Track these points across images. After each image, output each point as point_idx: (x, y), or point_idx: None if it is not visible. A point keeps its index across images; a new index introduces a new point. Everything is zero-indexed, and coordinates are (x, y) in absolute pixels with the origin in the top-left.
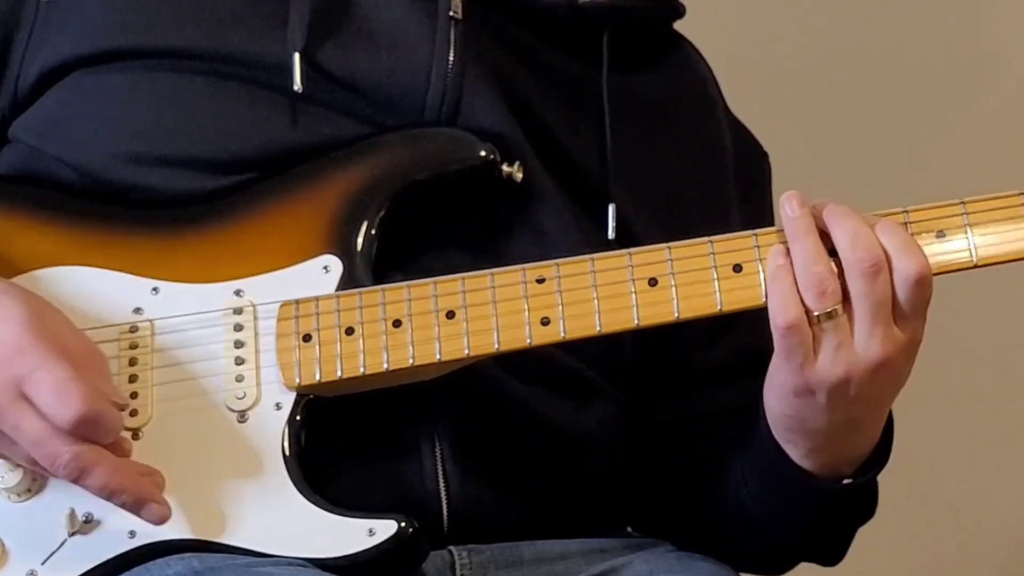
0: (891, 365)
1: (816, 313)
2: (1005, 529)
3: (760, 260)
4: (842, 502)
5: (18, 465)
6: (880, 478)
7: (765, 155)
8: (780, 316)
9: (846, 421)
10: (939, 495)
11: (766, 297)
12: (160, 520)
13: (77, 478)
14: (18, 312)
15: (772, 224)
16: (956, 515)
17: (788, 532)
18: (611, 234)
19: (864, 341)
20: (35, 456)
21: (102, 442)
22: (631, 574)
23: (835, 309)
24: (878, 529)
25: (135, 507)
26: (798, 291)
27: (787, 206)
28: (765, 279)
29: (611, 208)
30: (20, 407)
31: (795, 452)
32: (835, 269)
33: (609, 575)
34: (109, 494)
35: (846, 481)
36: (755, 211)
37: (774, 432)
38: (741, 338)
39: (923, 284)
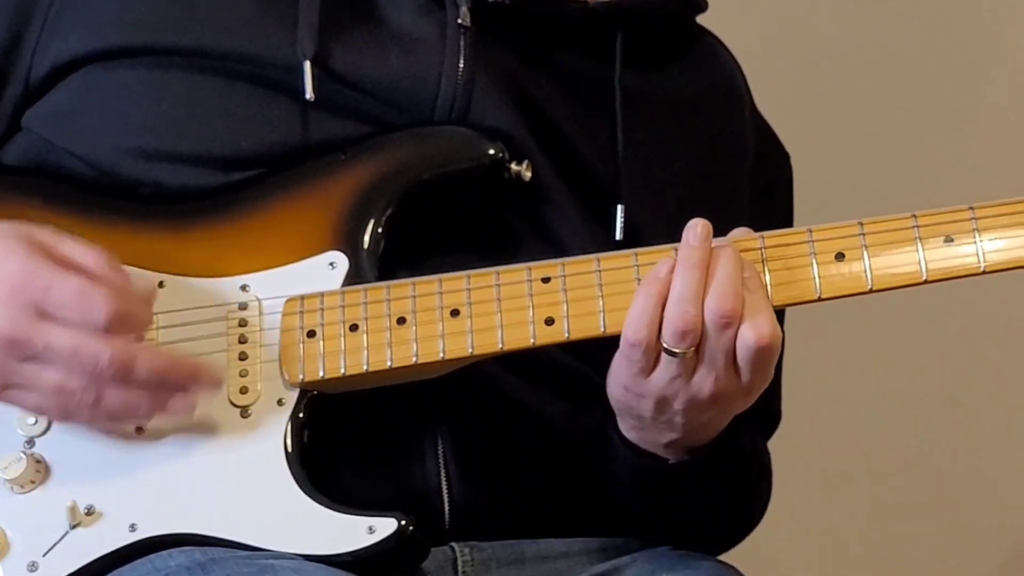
0: (720, 402)
1: (667, 347)
2: (1005, 529)
3: (765, 262)
4: (666, 477)
5: (43, 408)
6: (881, 479)
7: (787, 156)
8: (630, 332)
9: (666, 424)
10: (939, 495)
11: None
12: (219, 384)
13: (125, 373)
14: (13, 244)
15: (790, 226)
16: (956, 515)
17: (639, 510)
18: (619, 235)
19: (699, 378)
20: (75, 366)
21: (139, 331)
22: (633, 573)
23: (685, 352)
24: (879, 529)
25: (190, 380)
26: (661, 314)
27: (689, 233)
28: (768, 283)
29: (619, 209)
30: (46, 327)
31: (622, 425)
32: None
33: (611, 574)
34: (161, 377)
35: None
36: (767, 211)
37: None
38: None
39: (762, 352)
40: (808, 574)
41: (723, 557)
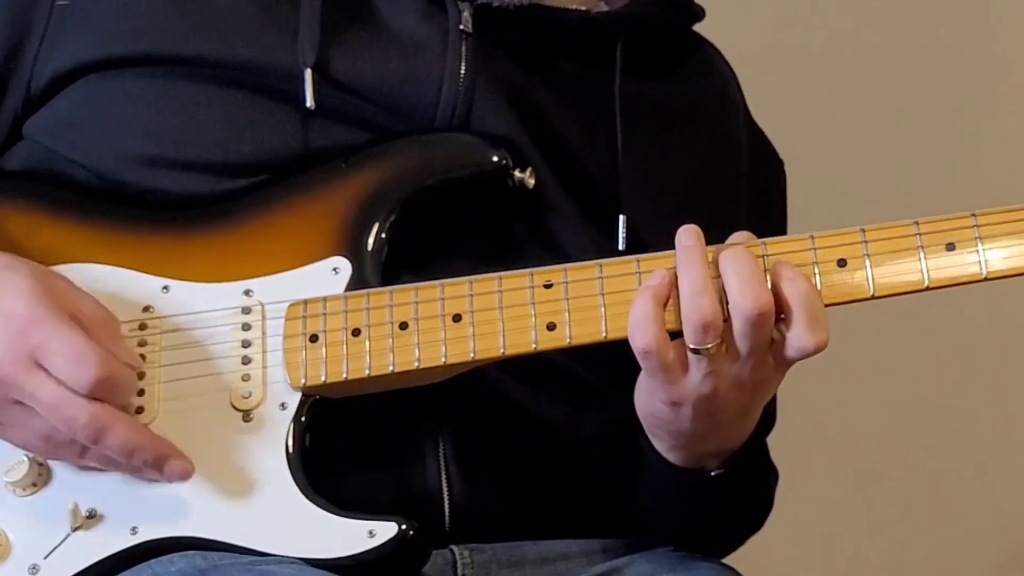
0: (762, 384)
1: (692, 347)
2: (1005, 530)
3: (767, 269)
4: (708, 490)
5: (30, 447)
6: (880, 479)
7: (781, 163)
8: (637, 338)
9: (711, 426)
10: (939, 496)
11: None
12: (185, 475)
13: (97, 439)
14: (25, 284)
15: (784, 233)
16: (956, 516)
17: (667, 521)
18: (621, 245)
19: (738, 369)
20: (53, 421)
21: (118, 404)
22: (633, 574)
23: (710, 347)
24: (878, 530)
25: (157, 463)
26: (663, 315)
27: (682, 236)
28: None
29: (622, 219)
30: (36, 376)
31: (661, 446)
32: (722, 304)
33: (611, 575)
34: (130, 452)
35: (714, 474)
36: (762, 218)
37: (644, 426)
38: None
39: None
40: (807, 575)
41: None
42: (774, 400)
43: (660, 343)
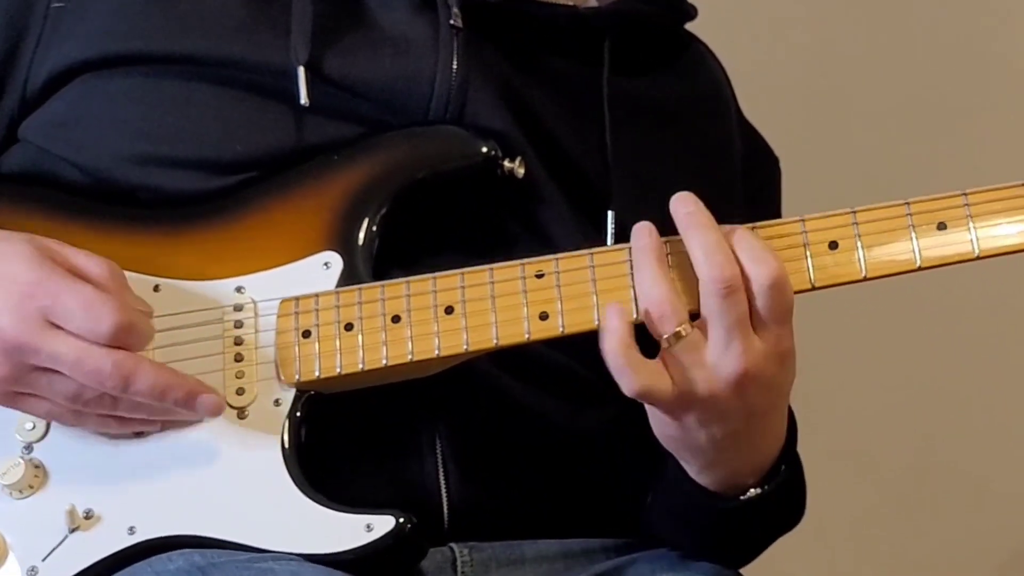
0: (758, 377)
1: (664, 336)
2: (1005, 529)
3: None
4: (746, 513)
5: (55, 414)
6: (880, 479)
7: (776, 160)
8: (624, 385)
9: (729, 434)
10: (939, 496)
11: None
12: (218, 409)
13: (126, 385)
14: (25, 249)
15: None
16: (956, 516)
17: (695, 545)
18: (610, 240)
19: (720, 358)
20: (79, 377)
21: (138, 349)
22: (633, 573)
23: (680, 330)
24: (878, 529)
25: (188, 400)
26: (636, 351)
27: (638, 235)
28: None
29: (610, 215)
30: (53, 335)
31: (691, 469)
32: (677, 288)
33: (611, 574)
34: (161, 392)
35: (749, 494)
36: (759, 215)
37: (670, 452)
38: None
39: (778, 290)
40: (807, 574)
41: None
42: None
43: (644, 375)
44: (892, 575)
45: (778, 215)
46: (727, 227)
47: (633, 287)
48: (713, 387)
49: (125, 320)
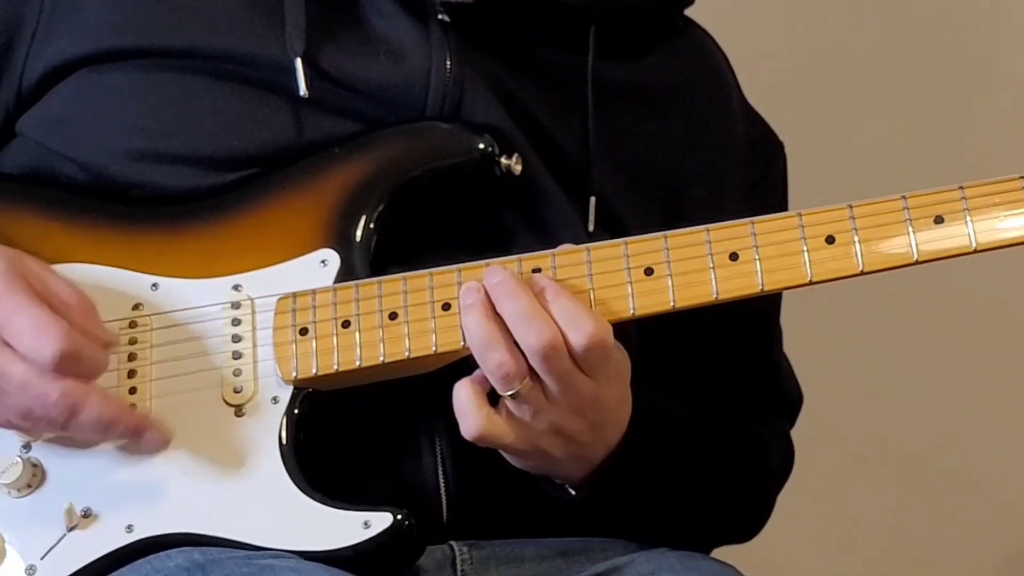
0: (595, 406)
1: (505, 394)
2: (1005, 529)
3: (757, 248)
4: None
5: (12, 426)
6: (880, 479)
7: (780, 146)
8: (464, 430)
9: (545, 463)
10: (938, 496)
11: None
12: (162, 445)
13: (70, 416)
14: (0, 265)
15: None
16: (956, 516)
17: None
18: (591, 227)
19: (557, 402)
20: (26, 401)
21: (87, 379)
22: (633, 573)
23: (519, 389)
24: (877, 529)
25: (135, 434)
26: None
27: (467, 294)
28: (760, 268)
29: (592, 201)
30: (5, 354)
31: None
32: (513, 347)
33: (611, 574)
34: (106, 426)
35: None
36: (762, 201)
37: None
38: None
39: (597, 349)
40: (807, 574)
41: (721, 557)
42: (786, 378)
43: (490, 426)
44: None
45: (783, 200)
46: (538, 286)
47: (629, 283)
48: (543, 434)
49: (68, 348)
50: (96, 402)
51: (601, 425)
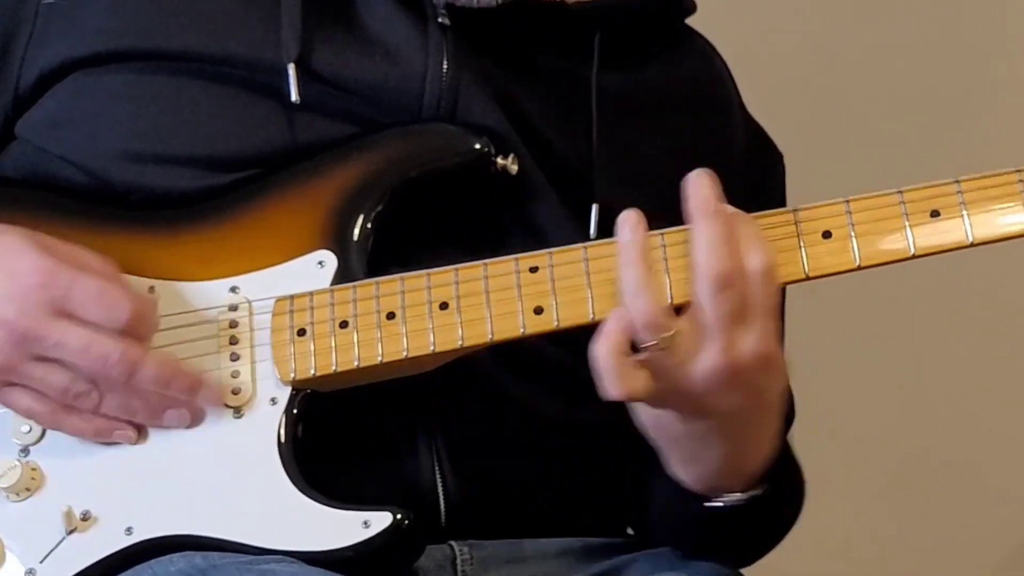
0: (739, 375)
1: (645, 344)
2: (1005, 529)
3: None
4: (726, 518)
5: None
6: (879, 479)
7: (780, 156)
8: (609, 391)
9: (706, 429)
10: (938, 495)
11: None
12: (220, 399)
13: (132, 372)
14: (28, 243)
15: None
16: (955, 515)
17: (685, 544)
18: (593, 233)
19: (704, 351)
20: (85, 363)
21: (147, 338)
22: (634, 573)
23: (662, 339)
24: (877, 529)
25: (192, 390)
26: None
27: (621, 230)
28: None
29: (594, 208)
30: (61, 324)
31: (671, 459)
32: (667, 292)
33: (612, 573)
34: (166, 381)
35: (728, 499)
36: (761, 209)
37: (651, 441)
38: None
39: (769, 279)
40: (806, 574)
41: None
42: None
43: (626, 382)
44: (891, 573)
45: None
46: (731, 211)
47: None
48: (692, 381)
49: (139, 309)
50: (155, 360)
51: (736, 416)
